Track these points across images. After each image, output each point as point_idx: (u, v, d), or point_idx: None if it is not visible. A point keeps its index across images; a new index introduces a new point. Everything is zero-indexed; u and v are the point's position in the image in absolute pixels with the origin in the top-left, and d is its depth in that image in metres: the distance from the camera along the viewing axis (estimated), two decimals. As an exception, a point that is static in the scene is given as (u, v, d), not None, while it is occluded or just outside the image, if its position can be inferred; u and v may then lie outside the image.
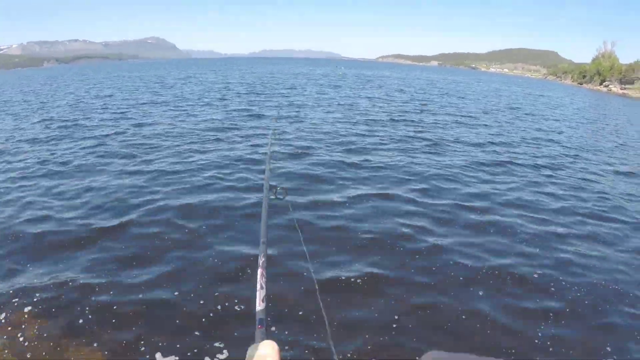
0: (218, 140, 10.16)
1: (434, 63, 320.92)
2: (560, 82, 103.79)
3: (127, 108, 15.87)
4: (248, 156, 8.51)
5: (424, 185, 7.22)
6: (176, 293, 3.80)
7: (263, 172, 3.18)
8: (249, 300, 3.56)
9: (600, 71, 78.14)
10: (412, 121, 14.34)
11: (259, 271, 1.24)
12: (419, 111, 17.25)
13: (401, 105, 19.02)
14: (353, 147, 9.82)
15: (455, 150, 10.24)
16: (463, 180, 7.70)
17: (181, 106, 16.21)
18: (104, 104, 17.22)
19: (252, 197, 6.08)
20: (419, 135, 11.82)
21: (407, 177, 7.62)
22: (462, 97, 26.45)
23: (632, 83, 68.28)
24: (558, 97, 37.70)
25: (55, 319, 3.46)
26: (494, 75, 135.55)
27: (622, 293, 4.28)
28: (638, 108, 36.01)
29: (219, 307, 3.61)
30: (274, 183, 2.72)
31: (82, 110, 15.67)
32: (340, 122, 13.28)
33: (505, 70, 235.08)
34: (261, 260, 1.28)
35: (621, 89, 68.63)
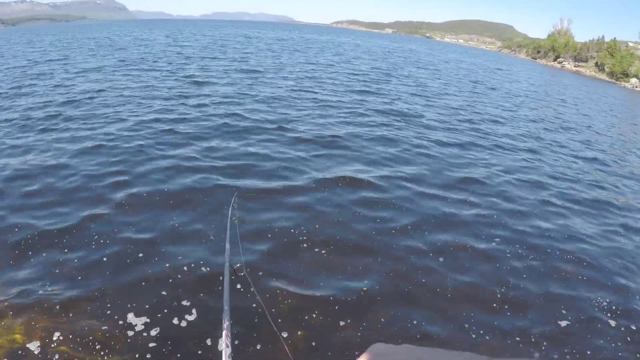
0: (174, 144, 7.59)
1: (389, 30, 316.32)
2: (514, 55, 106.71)
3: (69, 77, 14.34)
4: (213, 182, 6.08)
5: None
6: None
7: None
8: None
9: (555, 47, 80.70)
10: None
11: (224, 332, 1.41)
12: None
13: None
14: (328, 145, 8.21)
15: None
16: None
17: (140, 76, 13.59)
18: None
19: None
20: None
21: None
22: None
23: (586, 61, 71.15)
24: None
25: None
26: (450, 45, 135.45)
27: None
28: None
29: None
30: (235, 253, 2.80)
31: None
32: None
33: (460, 41, 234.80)
34: (225, 324, 1.46)
35: (574, 66, 71.44)
